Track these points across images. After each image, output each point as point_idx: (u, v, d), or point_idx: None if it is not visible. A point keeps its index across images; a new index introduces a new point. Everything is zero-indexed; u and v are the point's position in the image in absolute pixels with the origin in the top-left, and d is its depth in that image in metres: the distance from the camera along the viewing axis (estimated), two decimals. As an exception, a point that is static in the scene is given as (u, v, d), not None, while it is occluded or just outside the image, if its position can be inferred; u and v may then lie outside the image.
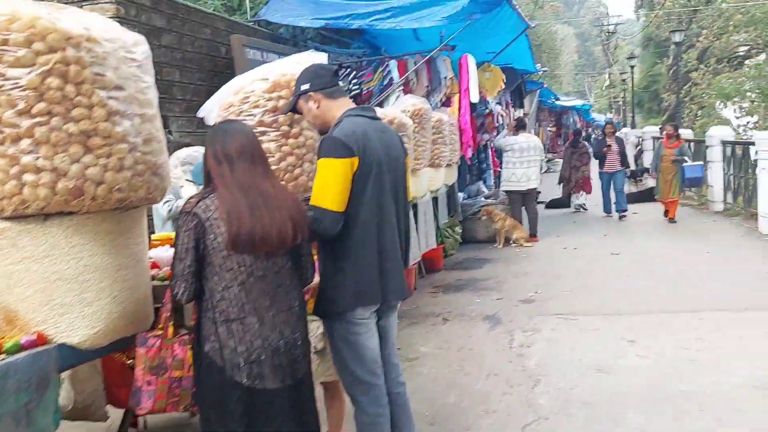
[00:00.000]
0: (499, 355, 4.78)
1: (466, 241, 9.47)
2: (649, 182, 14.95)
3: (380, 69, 9.08)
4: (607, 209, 11.72)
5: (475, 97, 8.67)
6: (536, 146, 9.61)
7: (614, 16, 41.70)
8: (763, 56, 17.08)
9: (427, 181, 6.96)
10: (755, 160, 9.54)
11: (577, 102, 31.71)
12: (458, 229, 9.06)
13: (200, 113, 3.35)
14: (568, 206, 13.30)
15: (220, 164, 2.17)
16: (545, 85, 20.86)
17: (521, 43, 11.64)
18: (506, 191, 9.72)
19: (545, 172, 22.81)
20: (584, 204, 12.89)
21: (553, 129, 27.72)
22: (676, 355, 4.59)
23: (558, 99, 25.85)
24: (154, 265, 2.84)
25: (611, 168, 11.54)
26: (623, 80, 32.57)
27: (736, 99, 15.94)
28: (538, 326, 5.40)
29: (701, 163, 11.10)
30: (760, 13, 13.92)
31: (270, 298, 2.22)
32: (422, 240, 6.87)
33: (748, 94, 15.66)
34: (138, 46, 2.14)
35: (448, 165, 8.48)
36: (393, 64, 8.96)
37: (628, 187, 15.17)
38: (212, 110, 3.25)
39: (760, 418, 3.59)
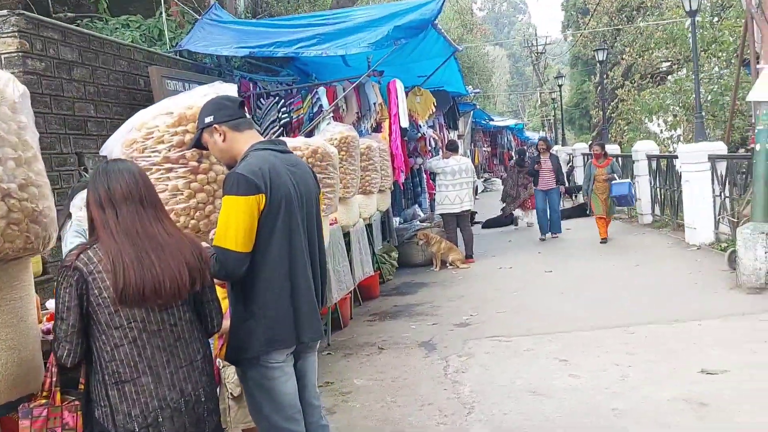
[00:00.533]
0: (434, 384, 4.70)
1: (403, 266, 9.43)
2: (582, 198, 15.30)
3: (309, 96, 9.02)
4: (543, 230, 11.26)
5: (404, 122, 8.68)
6: (468, 168, 9.68)
7: (542, 36, 43.01)
8: (683, 71, 17.82)
9: (358, 209, 6.87)
10: (680, 173, 9.87)
11: (511, 122, 32.46)
12: (394, 255, 9.01)
13: (102, 151, 3.18)
14: (506, 225, 13.47)
15: (103, 210, 2.01)
16: (478, 107, 21.24)
17: (451, 67, 11.81)
18: (441, 214, 9.74)
19: (482, 191, 23.20)
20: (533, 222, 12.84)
21: (489, 149, 28.23)
22: (608, 372, 4.60)
23: (492, 119, 26.37)
24: (52, 318, 2.64)
25: (545, 185, 11.36)
26: (553, 99, 33.51)
27: (660, 113, 16.54)
28: (472, 350, 5.35)
29: (629, 180, 10.84)
30: (677, 29, 14.54)
31: (167, 354, 2.06)
32: (357, 268, 6.77)
33: (672, 108, 16.30)
34: (9, 84, 1.98)
35: (381, 191, 8.43)
36: (322, 91, 8.91)
37: (562, 203, 15.50)
38: (114, 148, 3.08)
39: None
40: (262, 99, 8.66)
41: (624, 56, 24.88)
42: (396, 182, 9.07)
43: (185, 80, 6.65)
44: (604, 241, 10.28)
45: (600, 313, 6.16)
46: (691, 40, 10.01)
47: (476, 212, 14.62)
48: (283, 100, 9.07)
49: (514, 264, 9.13)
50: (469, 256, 9.56)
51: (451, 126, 17.18)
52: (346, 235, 6.53)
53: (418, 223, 10.20)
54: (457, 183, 9.50)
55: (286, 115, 9.04)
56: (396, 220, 10.36)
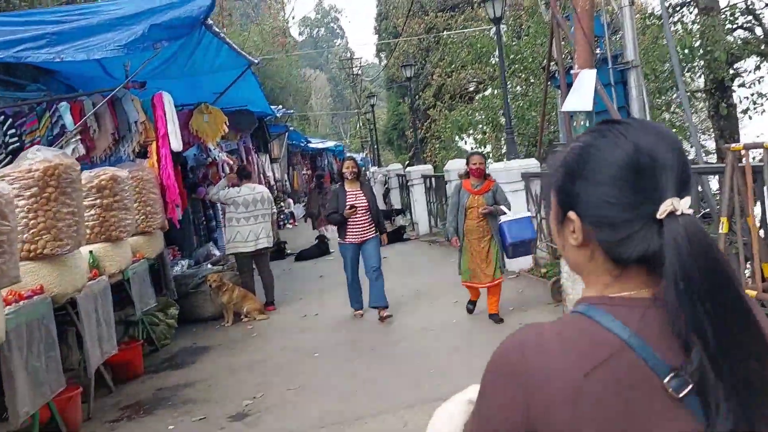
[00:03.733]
0: None
1: (189, 322, 7.50)
2: (399, 221, 14.27)
3: (47, 114, 6.86)
4: (357, 304, 7.11)
5: (176, 144, 6.80)
6: (264, 198, 7.96)
7: (357, 58, 42.77)
8: (489, 90, 17.68)
9: (85, 266, 4.89)
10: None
11: (330, 143, 31.35)
12: (173, 311, 7.05)
13: None
14: (321, 255, 11.97)
15: None
16: (292, 128, 19.68)
17: (250, 83, 10.13)
18: (232, 254, 7.94)
19: (302, 216, 21.58)
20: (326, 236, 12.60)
21: (309, 172, 26.78)
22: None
23: (309, 141, 24.96)
24: None
25: (358, 235, 6.80)
26: (368, 119, 33.01)
27: (470, 131, 16.11)
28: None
29: (527, 214, 6.34)
30: (480, 46, 14.15)
31: None
32: (93, 348, 4.78)
33: (480, 126, 15.98)
34: None
35: (146, 233, 6.48)
36: (64, 108, 6.82)
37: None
38: None
39: None
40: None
41: (434, 77, 24.78)
42: (171, 220, 7.15)
43: None
44: (496, 317, 6.12)
45: (414, 382, 4.75)
46: (497, 52, 9.22)
47: (285, 242, 13.01)
48: (10, 120, 6.82)
49: (322, 308, 7.58)
50: (269, 304, 7.85)
51: (262, 149, 15.46)
52: (72, 304, 4.54)
53: (209, 266, 8.30)
54: (250, 216, 7.76)
55: (16, 138, 6.82)
56: (183, 264, 8.39)
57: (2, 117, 6.82)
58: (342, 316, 7.09)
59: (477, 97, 21.14)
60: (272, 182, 16.71)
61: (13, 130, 6.78)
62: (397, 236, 12.34)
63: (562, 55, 8.32)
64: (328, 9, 78.81)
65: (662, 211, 0.86)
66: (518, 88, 15.22)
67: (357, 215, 6.72)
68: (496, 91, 16.08)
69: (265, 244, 7.84)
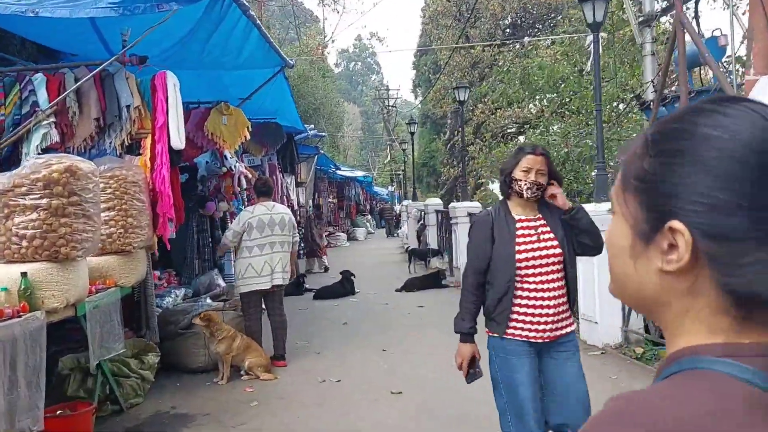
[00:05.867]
0: None
1: (176, 370, 5.69)
2: (435, 263, 12.43)
3: (17, 87, 5.22)
4: None
5: (177, 141, 5.07)
6: (285, 222, 6.13)
7: (394, 89, 41.47)
8: (536, 130, 16.04)
9: (17, 294, 3.13)
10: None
11: (359, 173, 29.70)
12: (152, 359, 5.23)
13: None
14: (345, 294, 10.14)
15: None
16: (322, 152, 18.03)
17: (281, 91, 8.54)
18: (242, 294, 6.07)
19: (333, 247, 19.83)
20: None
21: (335, 201, 25.12)
22: None
23: (339, 168, 23.32)
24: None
25: (543, 330, 2.86)
26: (404, 149, 31.36)
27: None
28: None
29: None
30: (540, 77, 12.46)
31: None
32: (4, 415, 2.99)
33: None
34: None
35: (122, 252, 4.73)
36: (39, 80, 5.18)
37: (413, 269, 12.52)
38: None
39: None
40: None
41: (476, 113, 23.17)
42: (161, 239, 5.38)
43: None
44: None
45: None
46: (591, 66, 7.39)
47: (305, 275, 11.22)
48: (-32, 93, 5.20)
49: (345, 371, 5.71)
50: (278, 357, 5.98)
51: (288, 170, 13.78)
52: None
53: (208, 301, 6.49)
54: (266, 243, 5.95)
55: (-28, 115, 5.18)
56: (177, 294, 6.61)
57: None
58: (374, 388, 5.21)
59: (521, 138, 19.47)
60: (296, 206, 15.07)
61: (-29, 105, 5.14)
62: (435, 281, 10.48)
63: (666, 78, 6.56)
64: (366, 44, 78.38)
65: None
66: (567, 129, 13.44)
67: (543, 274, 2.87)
68: (556, 126, 14.38)
69: (281, 281, 6.00)
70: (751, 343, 0.62)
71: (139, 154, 5.54)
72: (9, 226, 3.53)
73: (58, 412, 4.07)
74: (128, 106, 5.15)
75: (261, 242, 5.92)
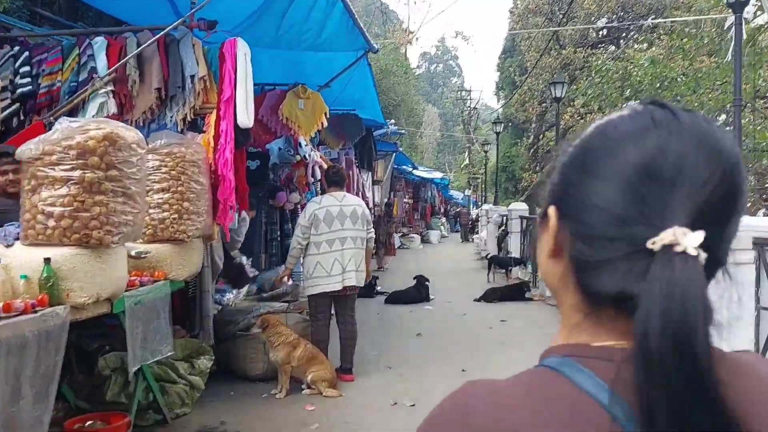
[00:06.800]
0: None
1: (231, 376, 5.05)
2: (517, 272, 11.43)
3: (76, 52, 4.71)
4: None
5: (245, 118, 4.39)
6: (357, 215, 5.33)
7: (476, 90, 40.29)
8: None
9: (38, 284, 2.50)
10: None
11: (437, 175, 28.78)
12: (204, 363, 4.59)
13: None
14: (419, 300, 9.35)
15: None
16: (401, 149, 17.27)
17: (364, 79, 7.86)
18: (309, 296, 5.35)
19: (398, 247, 19.06)
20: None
21: (410, 201, 24.34)
22: None
23: (416, 168, 22.52)
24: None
25: None
26: (485, 151, 30.18)
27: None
28: None
29: None
30: (644, 74, 11.16)
31: None
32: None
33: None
34: None
35: (175, 241, 4.12)
36: (99, 44, 4.65)
37: (492, 278, 11.56)
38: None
39: None
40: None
41: (564, 117, 21.84)
42: (221, 226, 4.74)
43: None
44: None
45: None
46: (732, 53, 6.19)
47: (377, 277, 10.48)
48: (27, 53, 4.74)
49: (419, 393, 4.88)
50: (345, 371, 5.23)
51: (365, 166, 13.11)
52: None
53: (272, 303, 5.81)
54: (335, 238, 5.20)
55: (29, 80, 4.73)
56: (237, 293, 5.98)
57: (17, 48, 4.73)
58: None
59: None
60: (371, 204, 14.41)
61: (27, 68, 4.66)
62: (518, 293, 9.51)
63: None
64: (449, 46, 77.36)
65: (656, 241, 0.58)
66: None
67: None
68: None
69: (354, 282, 5.23)
70: (599, 346, 0.64)
71: (203, 132, 4.92)
72: (35, 202, 2.92)
73: (87, 423, 3.47)
74: (193, 76, 4.55)
75: (330, 237, 5.18)
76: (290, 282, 6.22)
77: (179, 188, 4.14)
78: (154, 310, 3.86)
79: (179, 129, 4.65)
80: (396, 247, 16.88)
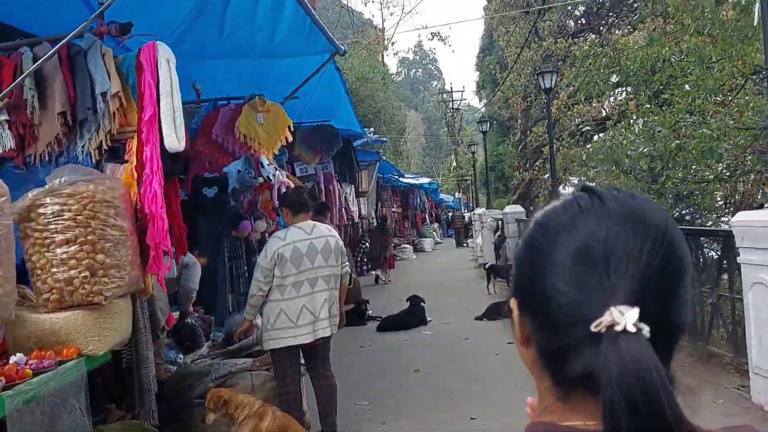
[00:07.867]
0: None
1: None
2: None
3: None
4: None
5: (173, 140, 3.44)
6: (330, 246, 4.34)
7: (457, 91, 39.47)
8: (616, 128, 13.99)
9: None
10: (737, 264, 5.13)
11: (425, 180, 27.86)
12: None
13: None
14: (415, 325, 8.42)
15: None
16: (384, 158, 16.36)
17: (333, 85, 6.97)
18: (272, 351, 4.35)
19: (399, 260, 18.18)
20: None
21: (399, 210, 23.41)
22: None
23: (402, 175, 21.61)
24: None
25: None
26: (473, 153, 29.32)
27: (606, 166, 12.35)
28: None
29: None
30: (644, 54, 10.27)
31: None
32: None
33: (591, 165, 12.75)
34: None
35: (91, 304, 3.17)
36: (-16, 64, 3.67)
37: (493, 288, 10.66)
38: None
39: None
40: None
41: (552, 108, 21.01)
42: (155, 278, 3.78)
43: None
44: None
45: None
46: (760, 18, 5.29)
47: (367, 301, 9.55)
48: None
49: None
50: (328, 435, 4.27)
51: (347, 179, 12.20)
52: None
53: (235, 360, 4.83)
54: (303, 280, 4.21)
55: None
56: (198, 349, 4.99)
57: None
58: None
59: (609, 133, 17.24)
60: (356, 218, 13.48)
61: None
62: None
63: None
64: (426, 50, 76.70)
65: (597, 325, 0.60)
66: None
67: None
68: (641, 122, 12.19)
69: (328, 332, 4.26)
70: (567, 425, 0.65)
71: (126, 162, 3.97)
72: None
73: None
74: (104, 94, 3.59)
75: (297, 280, 4.20)
76: (257, 331, 5.24)
77: (89, 237, 3.18)
78: (62, 401, 2.91)
79: (94, 161, 3.69)
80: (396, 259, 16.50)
